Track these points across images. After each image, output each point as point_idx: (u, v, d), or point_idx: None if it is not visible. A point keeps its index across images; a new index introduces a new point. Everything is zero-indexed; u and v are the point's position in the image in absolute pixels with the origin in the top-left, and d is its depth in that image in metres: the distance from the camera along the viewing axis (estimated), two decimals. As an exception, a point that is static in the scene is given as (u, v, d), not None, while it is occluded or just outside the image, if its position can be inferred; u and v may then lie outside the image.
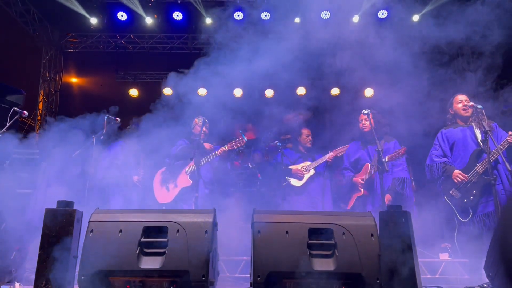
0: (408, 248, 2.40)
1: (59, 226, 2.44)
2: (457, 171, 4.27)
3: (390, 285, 2.36)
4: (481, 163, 4.13)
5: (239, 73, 5.07)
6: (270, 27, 7.44)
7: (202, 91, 7.75)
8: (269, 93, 8.60)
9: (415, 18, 7.35)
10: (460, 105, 4.50)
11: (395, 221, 2.47)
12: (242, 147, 4.77)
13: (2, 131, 3.85)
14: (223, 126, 5.34)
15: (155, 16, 8.09)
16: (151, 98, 5.75)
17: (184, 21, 8.01)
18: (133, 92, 8.96)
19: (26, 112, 4.13)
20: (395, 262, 2.38)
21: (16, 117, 4.03)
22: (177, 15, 7.92)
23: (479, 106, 4.13)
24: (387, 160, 4.51)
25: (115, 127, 4.50)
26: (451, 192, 4.30)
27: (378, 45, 6.19)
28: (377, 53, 5.93)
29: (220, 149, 4.82)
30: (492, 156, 3.98)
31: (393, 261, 2.39)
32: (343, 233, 2.46)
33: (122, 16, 7.97)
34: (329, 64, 6.21)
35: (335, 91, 8.69)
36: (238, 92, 8.27)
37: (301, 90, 8.63)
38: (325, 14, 7.55)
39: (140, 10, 7.82)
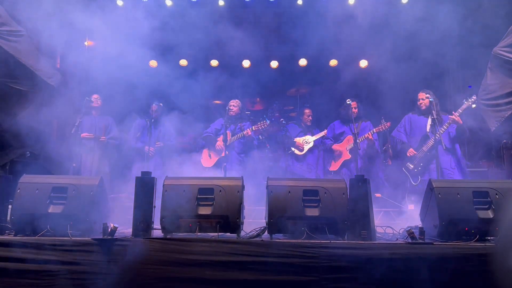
0: (365, 202, 3.79)
1: (144, 188, 3.83)
2: (411, 149, 5.91)
3: (354, 225, 3.78)
4: (426, 145, 5.78)
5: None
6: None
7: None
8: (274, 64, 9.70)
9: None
10: (419, 102, 6.03)
11: (359, 185, 3.85)
12: (265, 128, 6.22)
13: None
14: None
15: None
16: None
17: None
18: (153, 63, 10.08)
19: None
20: (358, 211, 3.79)
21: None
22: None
23: (431, 99, 5.66)
24: (375, 131, 6.02)
25: (160, 110, 5.78)
26: (407, 164, 5.93)
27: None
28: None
29: (248, 129, 6.29)
30: (436, 138, 5.44)
31: (356, 210, 3.79)
32: (325, 192, 3.84)
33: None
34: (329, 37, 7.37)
35: (333, 62, 9.77)
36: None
37: (302, 62, 9.72)
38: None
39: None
